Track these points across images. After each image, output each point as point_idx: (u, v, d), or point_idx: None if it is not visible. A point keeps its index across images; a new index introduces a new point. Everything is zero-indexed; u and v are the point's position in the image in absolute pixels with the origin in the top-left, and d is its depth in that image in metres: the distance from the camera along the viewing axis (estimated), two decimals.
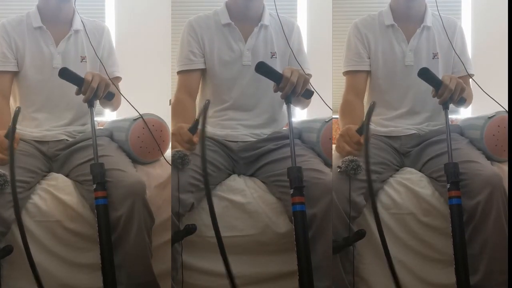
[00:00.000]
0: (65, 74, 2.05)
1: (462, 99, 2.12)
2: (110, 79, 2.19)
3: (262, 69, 2.02)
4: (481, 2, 3.15)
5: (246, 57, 2.28)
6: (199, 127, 2.04)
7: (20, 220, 1.83)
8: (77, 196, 2.09)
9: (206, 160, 2.07)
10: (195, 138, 2.04)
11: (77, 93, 2.06)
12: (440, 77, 2.08)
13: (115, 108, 2.38)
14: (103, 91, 2.06)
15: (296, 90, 2.01)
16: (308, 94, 2.09)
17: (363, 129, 2.06)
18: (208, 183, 1.77)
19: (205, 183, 1.78)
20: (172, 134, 2.08)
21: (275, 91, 2.04)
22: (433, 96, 2.10)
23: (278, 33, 2.33)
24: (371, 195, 1.92)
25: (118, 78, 2.37)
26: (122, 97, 2.31)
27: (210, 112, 2.29)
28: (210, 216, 1.70)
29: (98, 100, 2.13)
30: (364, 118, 2.04)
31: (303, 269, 1.89)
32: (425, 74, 2.07)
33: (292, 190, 1.93)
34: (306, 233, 1.91)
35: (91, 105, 2.06)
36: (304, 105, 2.37)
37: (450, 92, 2.05)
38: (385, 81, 2.34)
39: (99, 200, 1.96)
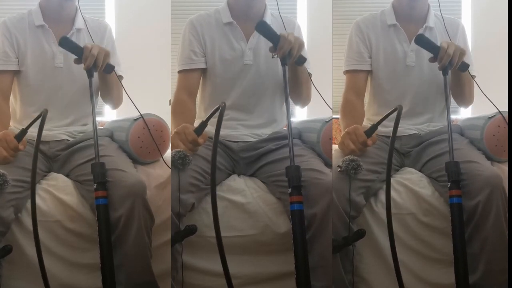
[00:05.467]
0: (66, 43, 2.10)
1: (464, 64, 2.15)
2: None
3: (263, 28, 2.06)
4: (481, 2, 3.15)
5: (247, 56, 2.28)
6: (207, 129, 2.05)
7: (36, 229, 1.90)
8: (77, 196, 2.09)
9: (208, 161, 2.08)
10: (200, 140, 2.05)
11: (77, 62, 2.10)
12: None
13: (116, 104, 2.36)
14: (102, 60, 2.08)
15: (292, 52, 2.05)
16: (301, 61, 2.13)
17: (371, 131, 2.08)
18: (215, 186, 1.76)
19: (211, 186, 1.77)
20: (176, 133, 2.08)
21: (271, 51, 2.07)
22: (431, 62, 2.14)
23: None
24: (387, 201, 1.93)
25: (120, 77, 2.36)
26: (124, 96, 2.31)
27: (209, 111, 2.28)
28: (213, 217, 1.70)
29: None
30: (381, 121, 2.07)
31: (300, 268, 1.88)
32: (422, 40, 2.13)
33: (290, 189, 1.93)
34: (303, 232, 1.91)
35: (90, 75, 2.08)
36: (304, 102, 2.35)
37: (449, 57, 2.09)
38: (386, 81, 2.33)
39: (100, 200, 1.96)
